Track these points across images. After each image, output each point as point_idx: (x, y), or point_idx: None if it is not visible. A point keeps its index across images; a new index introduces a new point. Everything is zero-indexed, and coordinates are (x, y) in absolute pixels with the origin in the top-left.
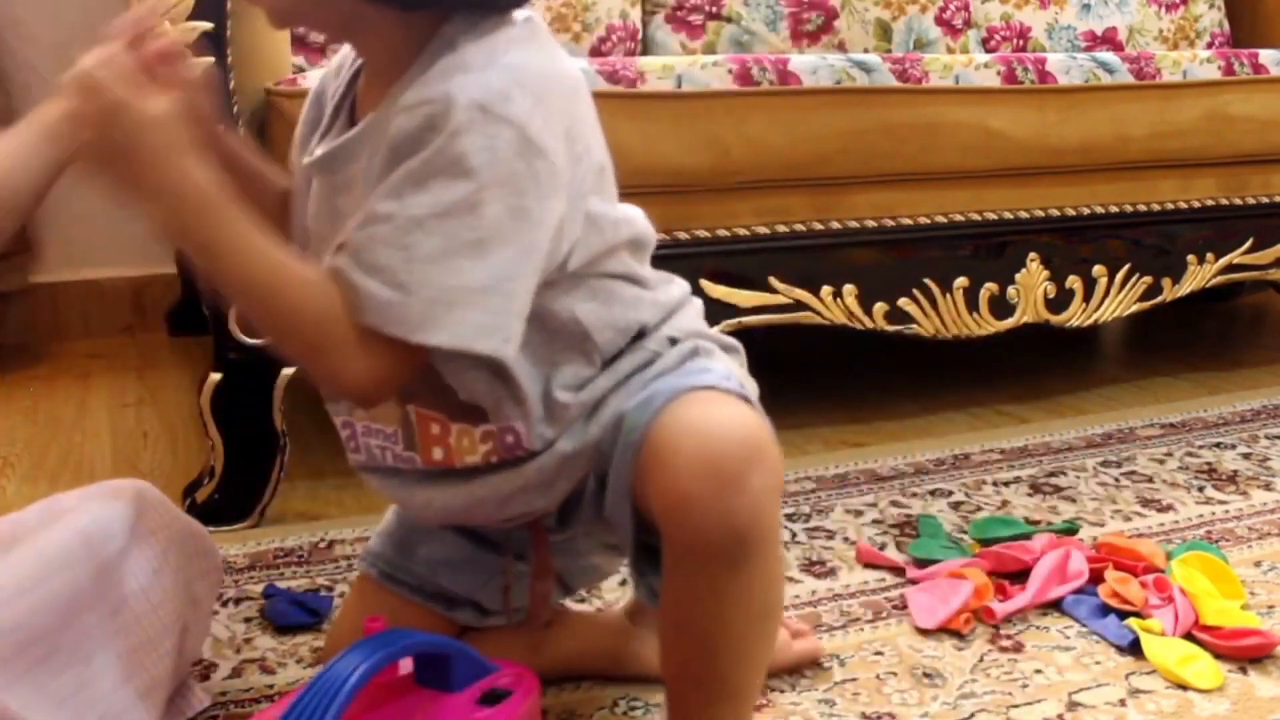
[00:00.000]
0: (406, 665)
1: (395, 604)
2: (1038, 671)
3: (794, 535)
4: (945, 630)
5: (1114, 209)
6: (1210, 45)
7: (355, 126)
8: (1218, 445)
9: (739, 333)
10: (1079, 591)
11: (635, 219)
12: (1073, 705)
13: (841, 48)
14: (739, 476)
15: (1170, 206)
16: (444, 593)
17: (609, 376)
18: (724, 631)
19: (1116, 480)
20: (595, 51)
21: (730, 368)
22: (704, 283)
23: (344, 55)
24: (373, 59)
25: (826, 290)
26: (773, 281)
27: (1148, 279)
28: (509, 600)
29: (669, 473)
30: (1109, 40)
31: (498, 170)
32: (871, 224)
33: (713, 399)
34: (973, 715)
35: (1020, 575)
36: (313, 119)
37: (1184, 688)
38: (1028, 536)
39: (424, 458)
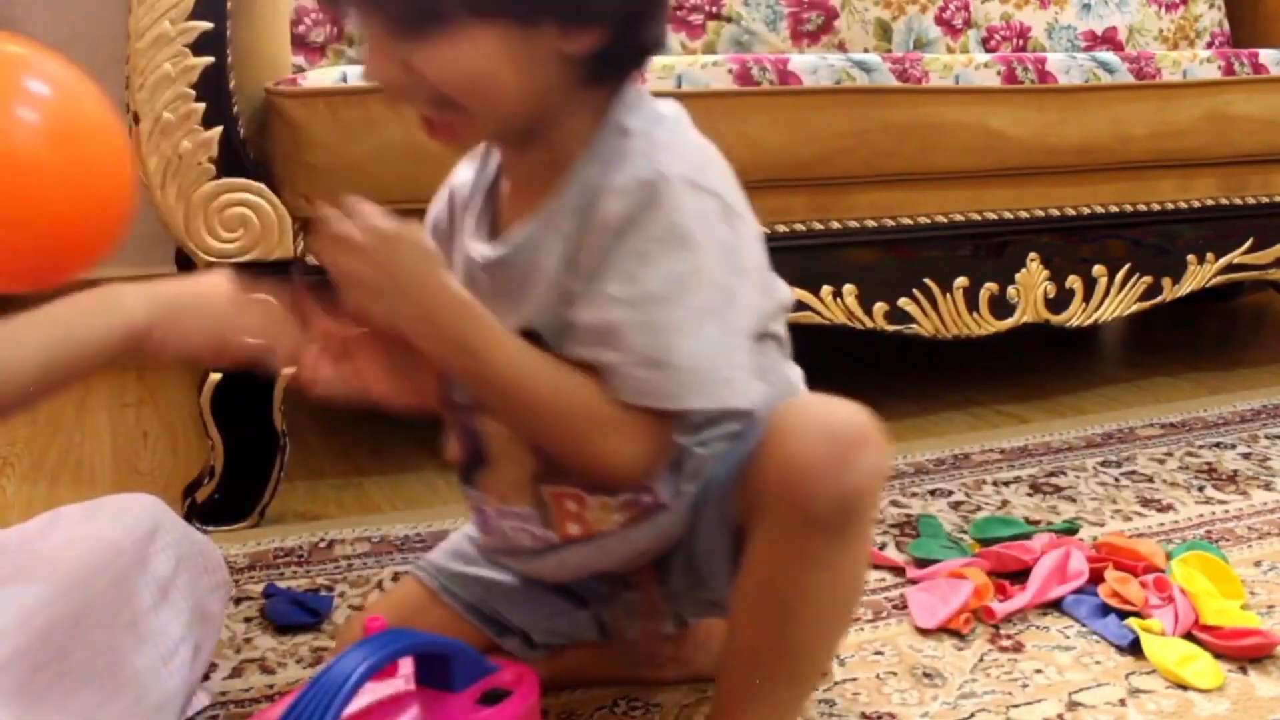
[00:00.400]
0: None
1: (445, 617)
2: (1038, 671)
3: None
4: (945, 630)
5: (1114, 209)
6: (1210, 45)
7: (525, 221)
8: (1218, 445)
9: None
10: (1079, 591)
11: (782, 283)
12: (1073, 705)
13: (841, 48)
14: (856, 451)
15: (1170, 206)
16: (498, 618)
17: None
18: (807, 601)
19: (1116, 480)
20: None
21: None
22: None
23: (478, 157)
24: (546, 152)
25: (826, 290)
26: None
27: (1148, 279)
28: (620, 633)
29: (790, 444)
30: (1109, 40)
31: (714, 238)
32: (871, 224)
33: (828, 396)
34: (973, 715)
35: (1020, 575)
36: (446, 216)
37: (1184, 688)
38: (1028, 536)
39: (560, 533)
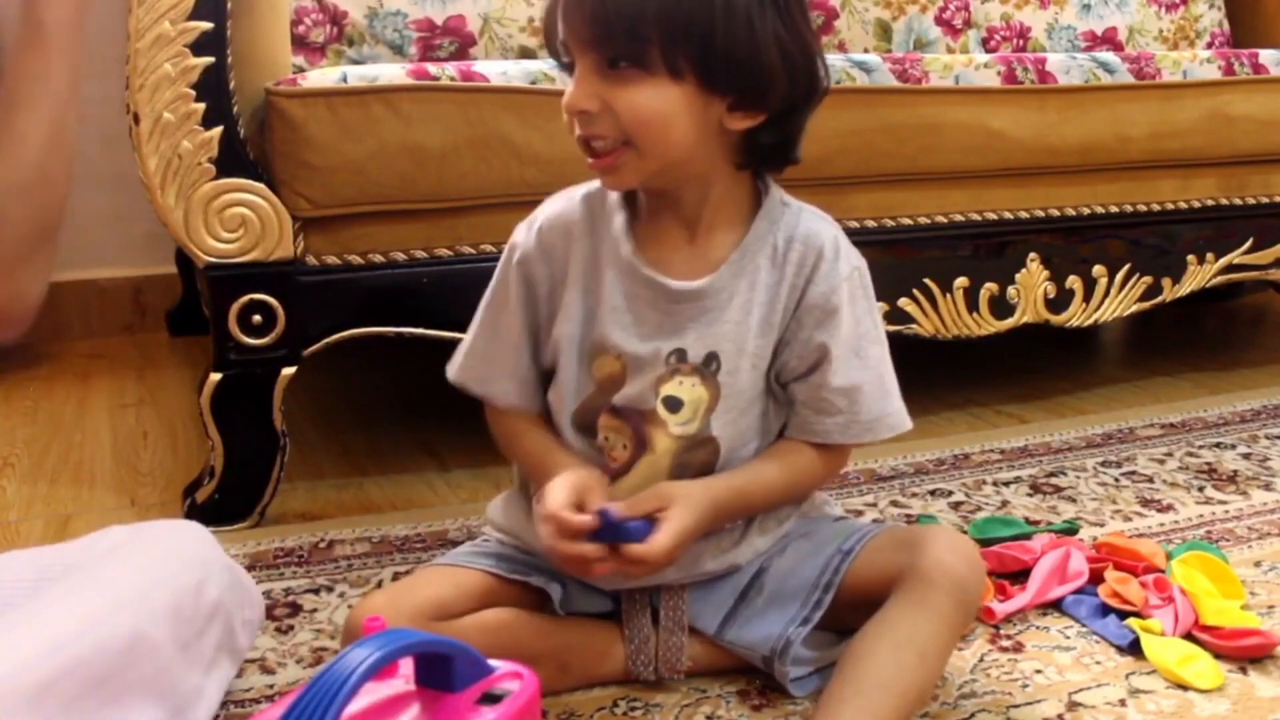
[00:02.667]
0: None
1: (469, 575)
2: (1038, 671)
3: None
4: None
5: (1114, 209)
6: (1210, 45)
7: (703, 265)
8: (1218, 445)
9: None
10: (1079, 591)
11: None
12: (1073, 705)
13: (841, 48)
14: (979, 571)
15: (1170, 206)
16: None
17: None
18: (938, 647)
19: (1116, 480)
20: None
21: None
22: None
23: (589, 199)
24: (694, 210)
25: None
26: None
27: (1148, 279)
28: (641, 653)
29: (939, 546)
30: (1109, 40)
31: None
32: (871, 224)
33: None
34: (973, 715)
35: (1020, 575)
36: (559, 250)
37: (1184, 688)
38: (1028, 536)
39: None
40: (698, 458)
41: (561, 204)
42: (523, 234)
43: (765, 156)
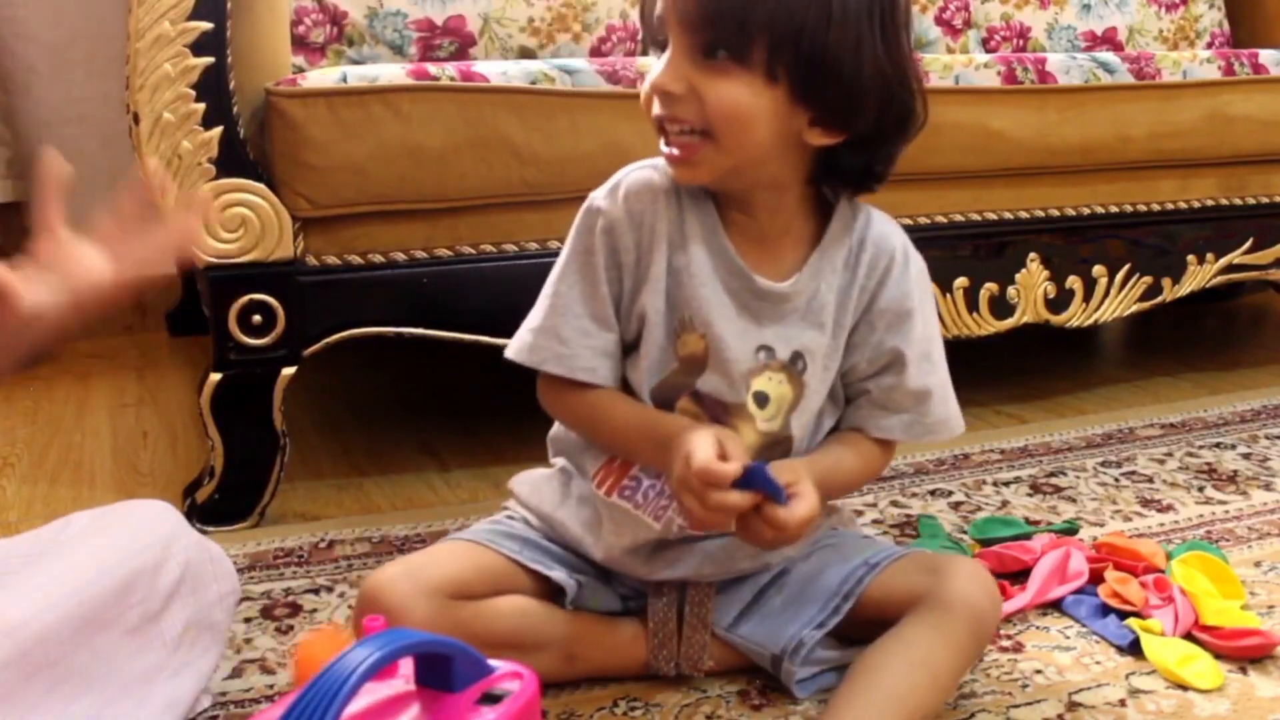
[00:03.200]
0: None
1: (485, 555)
2: (1038, 671)
3: None
4: None
5: (1114, 209)
6: (1210, 45)
7: (789, 266)
8: (1218, 445)
9: None
10: (1079, 591)
11: None
12: (1073, 705)
13: None
14: (997, 605)
15: (1170, 206)
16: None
17: None
18: (951, 672)
19: (1116, 480)
20: (595, 51)
21: None
22: None
23: (656, 180)
24: (771, 216)
25: None
26: None
27: (1148, 279)
28: (662, 648)
29: (962, 576)
30: (1109, 40)
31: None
32: None
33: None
34: (973, 715)
35: (1020, 575)
36: (647, 216)
37: (1184, 688)
38: (1028, 536)
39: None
40: (773, 456)
41: (646, 171)
42: (606, 201)
43: (842, 177)
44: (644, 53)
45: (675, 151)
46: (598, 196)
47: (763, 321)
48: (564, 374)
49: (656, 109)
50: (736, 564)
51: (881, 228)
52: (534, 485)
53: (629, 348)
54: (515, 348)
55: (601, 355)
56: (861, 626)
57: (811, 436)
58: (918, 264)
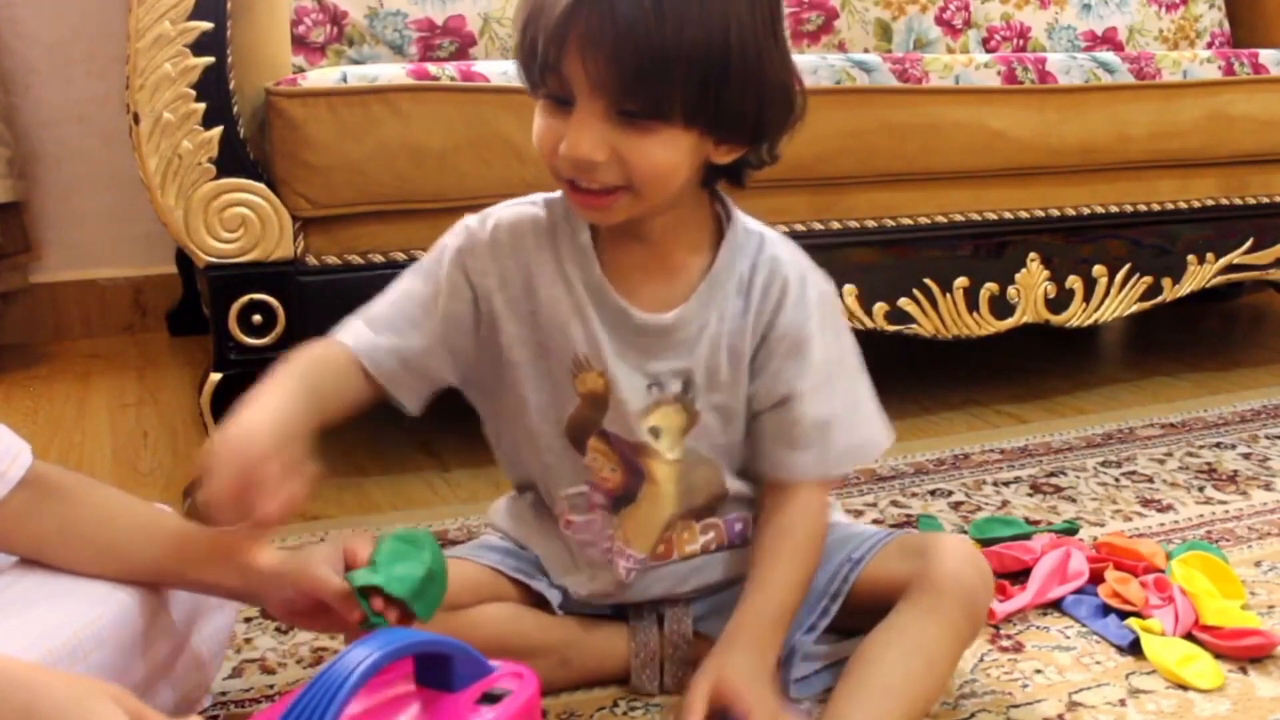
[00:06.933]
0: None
1: (473, 569)
2: (1038, 671)
3: None
4: None
5: (1114, 209)
6: (1210, 45)
7: (669, 293)
8: (1218, 445)
9: None
10: (1079, 591)
11: None
12: (1073, 705)
13: (841, 48)
14: (989, 581)
15: (1170, 206)
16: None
17: None
18: (947, 655)
19: (1116, 480)
20: None
21: None
22: None
23: (551, 205)
24: (661, 232)
25: None
26: None
27: (1148, 279)
28: (648, 669)
29: (950, 555)
30: (1109, 40)
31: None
32: (871, 224)
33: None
34: (973, 715)
35: (1020, 575)
36: (518, 250)
37: (1184, 688)
38: (1028, 536)
39: (661, 557)
40: (700, 475)
41: (525, 207)
42: (474, 222)
43: (732, 174)
44: (532, 84)
45: (591, 204)
46: (470, 218)
47: (651, 354)
48: (355, 349)
49: (566, 170)
50: (708, 578)
51: (777, 251)
52: (505, 510)
53: (501, 370)
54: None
55: (390, 354)
56: (855, 616)
57: (735, 453)
58: (818, 289)
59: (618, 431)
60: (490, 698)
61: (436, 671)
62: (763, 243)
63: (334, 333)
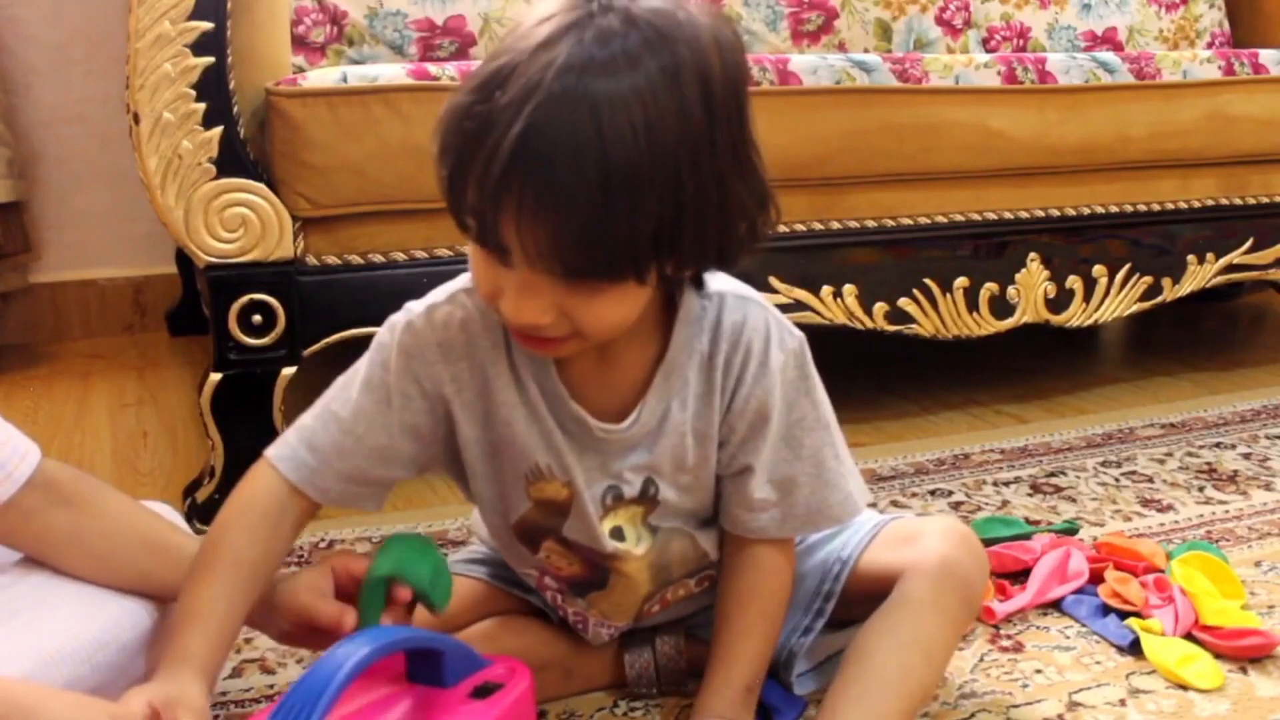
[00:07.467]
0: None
1: (468, 584)
2: (1038, 671)
3: None
4: None
5: (1114, 209)
6: (1210, 45)
7: (646, 386)
8: (1218, 445)
9: None
10: (1079, 591)
11: None
12: (1073, 705)
13: (841, 48)
14: (983, 562)
15: (1170, 206)
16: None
17: None
18: (944, 643)
19: (1116, 480)
20: None
21: None
22: None
23: (482, 311)
24: (629, 331)
25: (827, 290)
26: (773, 281)
27: (1148, 279)
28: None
29: (941, 539)
30: (1109, 40)
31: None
32: (871, 224)
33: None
34: (973, 715)
35: (1020, 575)
36: (453, 372)
37: (1184, 688)
38: (1028, 536)
39: (647, 615)
40: (676, 551)
41: (457, 303)
42: (420, 319)
43: (695, 280)
44: (461, 226)
45: (540, 348)
46: (411, 313)
47: (613, 456)
48: (297, 482)
49: (509, 324)
50: (702, 602)
51: (736, 315)
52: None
53: (456, 459)
54: (275, 445)
55: (345, 480)
56: (851, 608)
57: (705, 513)
58: (785, 347)
59: (579, 539)
60: (483, 691)
61: (428, 667)
62: (721, 308)
63: (271, 455)
